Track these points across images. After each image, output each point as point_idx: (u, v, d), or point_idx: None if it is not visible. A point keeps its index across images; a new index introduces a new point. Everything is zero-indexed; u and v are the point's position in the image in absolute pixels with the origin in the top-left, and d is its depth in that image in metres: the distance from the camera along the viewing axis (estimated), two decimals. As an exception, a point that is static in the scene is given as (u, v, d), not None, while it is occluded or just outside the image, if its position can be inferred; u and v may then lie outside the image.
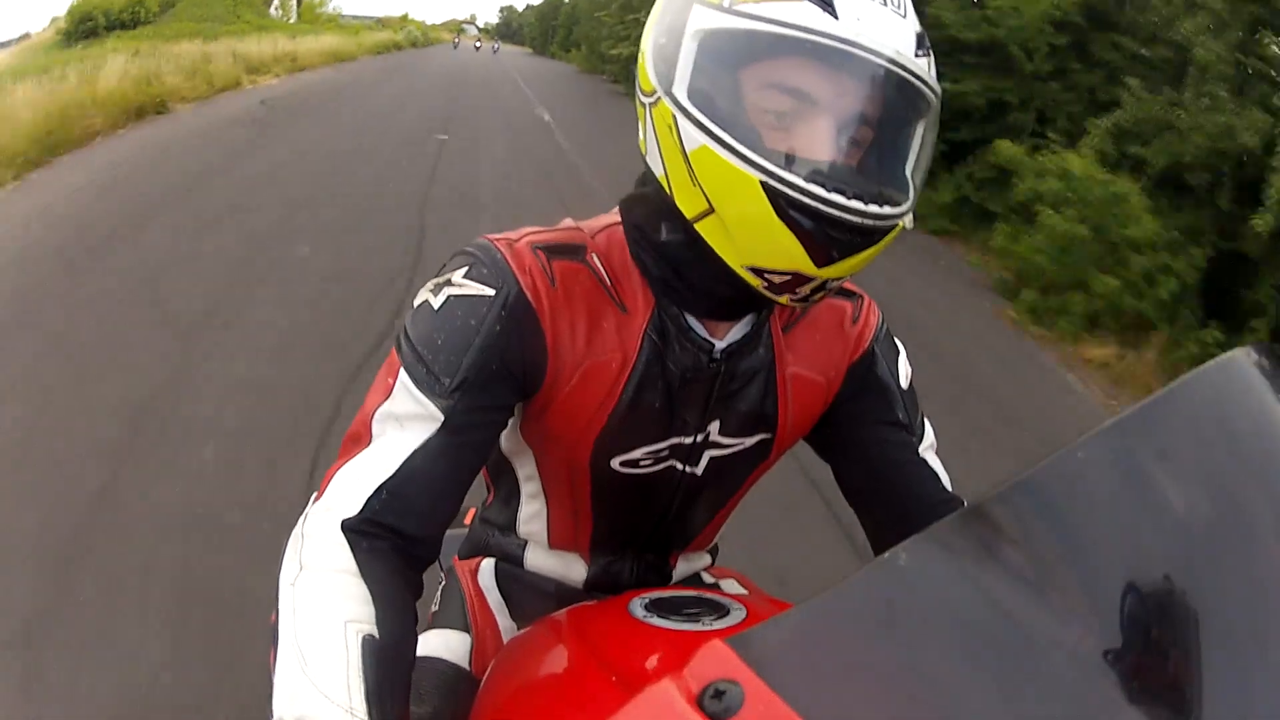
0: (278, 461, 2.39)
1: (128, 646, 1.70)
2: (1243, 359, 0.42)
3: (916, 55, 0.55)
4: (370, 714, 0.48)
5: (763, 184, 0.54)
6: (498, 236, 0.67)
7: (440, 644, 0.79)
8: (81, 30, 16.18)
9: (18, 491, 2.20)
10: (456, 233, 4.56)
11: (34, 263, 3.92)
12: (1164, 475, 0.39)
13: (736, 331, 0.69)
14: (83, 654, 1.69)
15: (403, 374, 0.62)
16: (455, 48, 35.39)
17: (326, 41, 20.74)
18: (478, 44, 40.89)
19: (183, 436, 2.51)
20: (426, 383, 0.61)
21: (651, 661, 0.55)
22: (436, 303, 0.64)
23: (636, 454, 0.71)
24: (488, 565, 0.85)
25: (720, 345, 0.68)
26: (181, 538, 2.04)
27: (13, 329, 3.19)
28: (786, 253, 0.56)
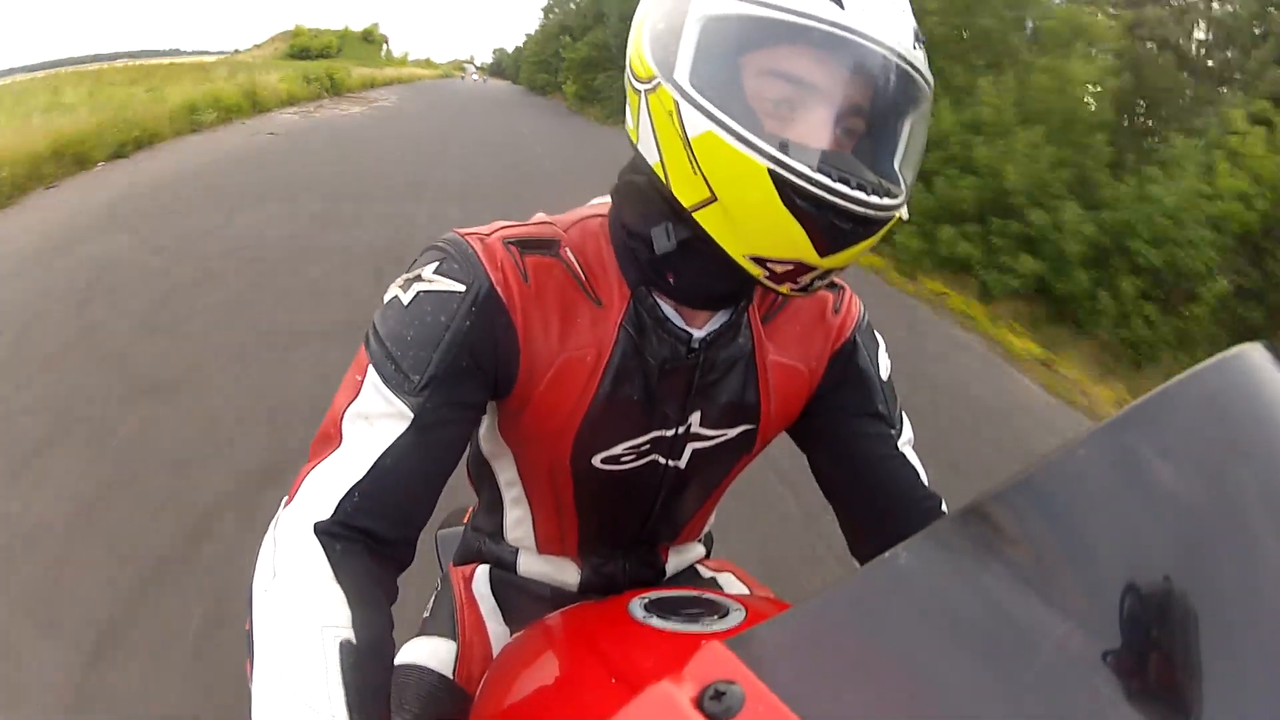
0: (467, 106, 23.84)
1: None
2: (1245, 356, 0.41)
3: (914, 47, 0.56)
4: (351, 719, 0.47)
5: (770, 172, 0.54)
6: (469, 231, 0.65)
7: (426, 652, 0.77)
8: (299, 54, 30.77)
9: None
10: (476, 100, 27.76)
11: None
12: (1164, 473, 0.38)
13: (715, 321, 0.68)
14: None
15: (371, 372, 0.61)
16: (463, 80, 56.76)
17: (424, 70, 58.14)
18: (474, 78, 62.77)
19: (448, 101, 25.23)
20: (395, 380, 0.60)
21: (651, 663, 0.55)
22: (406, 298, 0.62)
23: (617, 449, 0.70)
24: (482, 572, 0.84)
25: (698, 334, 0.67)
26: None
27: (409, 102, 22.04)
28: (791, 241, 0.56)
